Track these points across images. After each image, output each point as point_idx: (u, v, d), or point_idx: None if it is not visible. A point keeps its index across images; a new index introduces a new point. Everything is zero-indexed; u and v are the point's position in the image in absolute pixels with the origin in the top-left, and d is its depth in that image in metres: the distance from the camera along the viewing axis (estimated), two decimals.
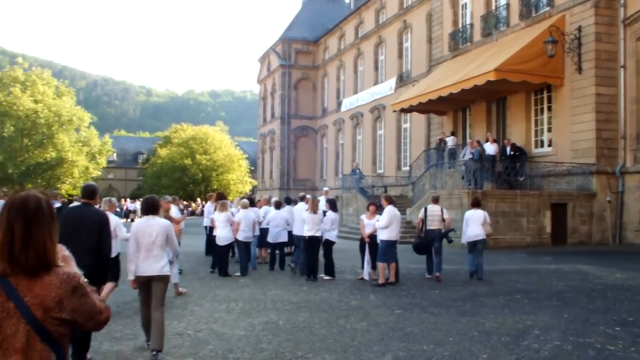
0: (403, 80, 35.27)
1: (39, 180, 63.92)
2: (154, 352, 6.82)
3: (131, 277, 7.11)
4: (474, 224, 13.42)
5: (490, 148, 22.63)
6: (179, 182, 65.92)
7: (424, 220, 13.63)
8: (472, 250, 13.48)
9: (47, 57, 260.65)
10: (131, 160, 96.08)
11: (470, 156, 22.35)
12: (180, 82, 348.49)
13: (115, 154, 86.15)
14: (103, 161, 71.35)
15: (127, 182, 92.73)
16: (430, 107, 27.55)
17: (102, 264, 6.84)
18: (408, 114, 33.42)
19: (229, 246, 14.17)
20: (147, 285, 7.14)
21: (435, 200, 14.27)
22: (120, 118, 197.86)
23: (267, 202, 17.82)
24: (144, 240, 7.05)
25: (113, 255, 7.99)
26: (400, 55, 36.15)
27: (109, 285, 7.91)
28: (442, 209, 13.86)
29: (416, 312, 9.65)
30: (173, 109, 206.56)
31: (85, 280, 2.48)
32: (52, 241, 2.40)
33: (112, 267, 8.13)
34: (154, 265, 7.02)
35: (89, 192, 7.38)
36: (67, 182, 65.14)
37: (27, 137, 62.10)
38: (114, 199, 10.65)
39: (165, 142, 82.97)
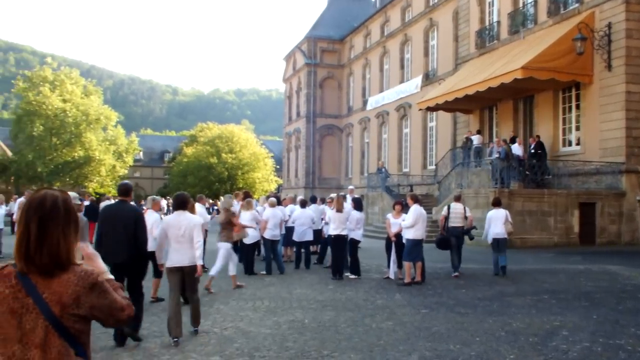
0: (429, 78, 35.08)
1: (67, 179, 64.72)
2: (195, 330, 7.92)
3: (160, 262, 8.21)
4: (496, 223, 13.79)
5: (519, 150, 22.39)
6: (205, 180, 66.24)
7: (446, 218, 13.97)
8: (496, 250, 13.82)
9: (76, 57, 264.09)
10: (157, 159, 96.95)
11: (497, 155, 22.17)
12: (206, 81, 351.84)
13: (141, 153, 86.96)
14: (130, 160, 72.04)
15: (153, 181, 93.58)
16: (456, 105, 27.36)
17: (139, 256, 7.59)
18: (434, 113, 33.23)
19: (255, 245, 14.21)
20: (178, 275, 7.72)
21: (458, 199, 14.74)
22: (147, 117, 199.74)
23: (293, 201, 17.87)
24: (173, 233, 7.59)
25: (150, 249, 8.34)
26: (426, 54, 35.96)
27: (154, 282, 9.16)
28: (464, 207, 14.34)
29: (442, 311, 9.61)
30: (199, 107, 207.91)
31: (111, 276, 2.55)
32: (66, 240, 2.42)
33: (154, 263, 8.90)
34: (185, 256, 7.59)
35: (124, 190, 8.04)
36: (95, 181, 65.86)
37: (55, 136, 62.90)
38: (157, 197, 10.92)
39: (191, 140, 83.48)
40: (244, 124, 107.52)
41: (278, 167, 72.90)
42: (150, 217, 10.00)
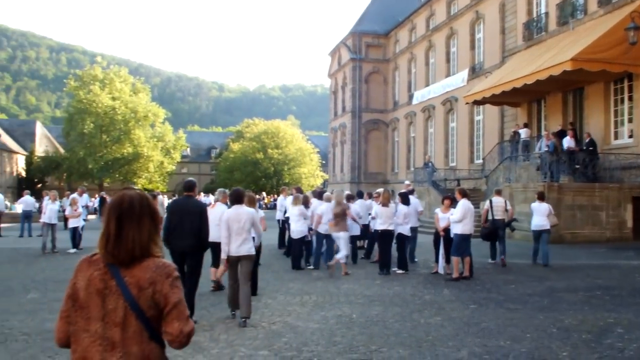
0: (475, 71, 34.65)
1: (117, 175, 66.18)
2: (243, 319, 8.27)
3: (224, 256, 8.50)
4: (539, 215, 14.74)
5: (570, 142, 21.92)
6: (251, 176, 66.99)
7: (489, 211, 14.92)
8: (537, 240, 14.74)
9: (124, 56, 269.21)
10: (204, 155, 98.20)
11: (546, 148, 21.78)
12: (252, 77, 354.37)
13: (189, 149, 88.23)
14: (177, 156, 73.22)
15: (200, 177, 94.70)
16: (503, 98, 26.94)
17: (202, 245, 8.59)
18: (481, 106, 32.80)
19: (303, 239, 14.31)
20: (236, 263, 8.50)
21: (499, 193, 15.84)
22: (194, 113, 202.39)
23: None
24: (234, 226, 8.37)
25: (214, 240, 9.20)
26: (472, 47, 35.50)
27: (221, 269, 9.84)
28: (505, 201, 15.49)
29: (491, 307, 9.53)
30: (245, 103, 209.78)
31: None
32: (141, 236, 2.71)
33: (215, 252, 10.13)
34: (243, 246, 8.40)
35: (190, 186, 9.09)
36: (143, 177, 67.15)
37: (105, 133, 64.32)
38: (226, 190, 11.34)
39: (238, 136, 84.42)
40: (289, 120, 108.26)
41: (324, 162, 73.12)
42: (219, 209, 10.36)
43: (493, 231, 14.64)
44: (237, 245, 8.38)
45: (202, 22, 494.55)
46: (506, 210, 15.09)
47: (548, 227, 14.67)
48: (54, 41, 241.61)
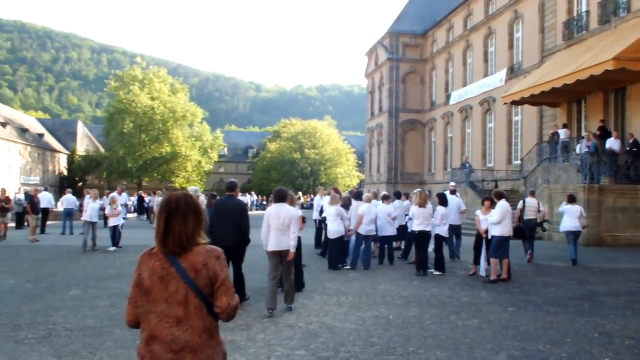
0: (514, 71, 34.23)
1: (155, 174, 67.07)
2: (288, 307, 9.22)
3: (266, 248, 9.09)
4: (571, 217, 15.24)
5: (615, 144, 21.46)
6: (288, 175, 67.25)
7: (522, 210, 15.92)
8: (570, 241, 15.22)
9: (163, 56, 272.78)
10: (241, 155, 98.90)
11: (587, 149, 21.40)
12: (289, 77, 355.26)
13: (226, 149, 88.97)
14: (215, 155, 73.90)
15: (237, 176, 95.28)
16: (542, 98, 26.54)
17: (243, 240, 9.55)
18: (519, 106, 32.37)
19: (340, 239, 14.31)
20: (276, 258, 9.07)
21: (532, 194, 16.90)
22: (231, 113, 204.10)
23: (375, 196, 17.86)
24: (273, 222, 9.00)
25: None
26: (510, 46, 35.08)
27: None
28: (538, 202, 16.53)
29: (530, 310, 9.41)
30: (282, 103, 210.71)
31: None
32: (186, 229, 3.16)
33: None
34: (284, 241, 9.01)
35: (231, 187, 10.14)
36: (181, 176, 67.93)
37: (144, 133, 65.21)
38: (290, 191, 11.61)
39: (275, 136, 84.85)
40: (326, 120, 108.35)
41: (360, 162, 73.02)
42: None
43: (522, 230, 15.24)
44: (277, 241, 8.97)
45: (241, 23, 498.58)
46: (538, 210, 16.19)
47: (580, 228, 15.30)
48: (96, 42, 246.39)
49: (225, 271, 3.17)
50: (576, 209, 15.27)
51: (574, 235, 15.12)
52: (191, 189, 11.09)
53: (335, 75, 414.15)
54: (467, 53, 41.57)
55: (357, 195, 15.52)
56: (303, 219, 11.52)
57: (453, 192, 17.41)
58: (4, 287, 11.40)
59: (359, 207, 14.45)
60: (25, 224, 27.08)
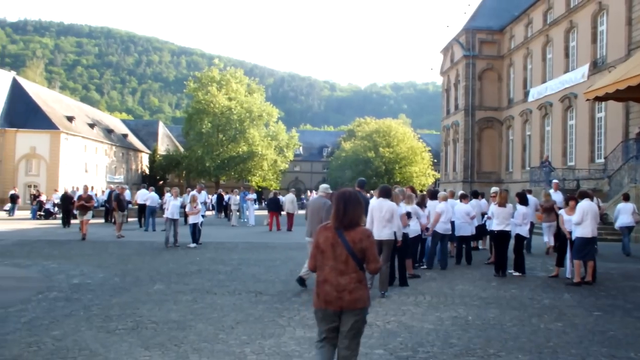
0: (597, 66, 33.03)
1: (232, 173, 68.41)
2: (382, 293, 10.33)
3: None
4: (625, 214, 17.43)
5: None
6: (363, 174, 66.96)
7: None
8: (626, 235, 17.44)
9: (239, 57, 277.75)
10: (316, 154, 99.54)
11: None
12: (363, 76, 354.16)
13: (301, 148, 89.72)
14: (290, 154, 74.70)
15: (312, 175, 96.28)
16: (629, 94, 25.41)
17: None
18: (603, 103, 31.19)
19: (417, 238, 14.22)
20: (379, 247, 9.59)
21: (626, 198, 18.18)
22: (306, 113, 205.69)
23: (452, 195, 17.67)
24: (376, 215, 10.30)
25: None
26: (594, 40, 33.85)
27: None
28: (634, 206, 17.98)
29: (618, 315, 9.06)
30: (356, 102, 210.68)
31: None
32: (355, 213, 4.88)
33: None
34: (384, 232, 10.28)
35: (362, 184, 12.19)
36: (257, 175, 69.00)
37: (222, 133, 66.63)
38: (400, 189, 12.77)
39: (349, 135, 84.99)
40: (401, 118, 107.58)
41: (435, 161, 72.19)
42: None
43: None
44: (379, 231, 10.10)
45: (316, 23, 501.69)
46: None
47: (634, 223, 17.51)
48: (175, 45, 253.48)
49: (373, 246, 4.87)
50: (629, 206, 17.56)
51: (628, 229, 17.49)
52: (323, 186, 11.73)
53: (410, 73, 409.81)
54: (546, 48, 40.41)
55: (433, 194, 15.38)
56: (408, 215, 12.15)
57: (529, 192, 17.93)
58: (95, 280, 11.95)
59: (436, 206, 14.33)
60: (112, 220, 28.12)
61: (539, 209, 17.24)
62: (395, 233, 10.54)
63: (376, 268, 4.85)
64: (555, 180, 19.99)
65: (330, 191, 11.24)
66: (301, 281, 11.06)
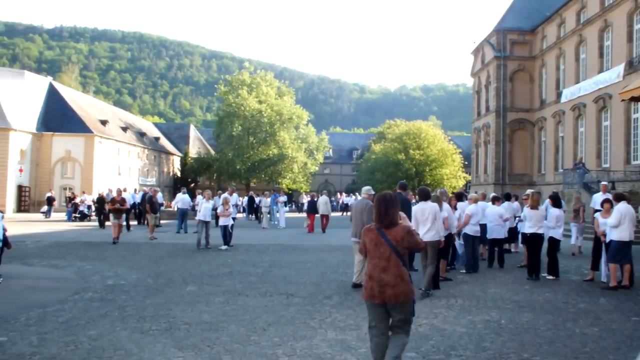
0: (633, 66, 32.44)
1: (263, 176, 68.80)
2: (426, 292, 10.60)
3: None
4: None
5: None
6: (393, 176, 66.79)
7: None
8: None
9: (269, 60, 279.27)
10: (346, 156, 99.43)
11: None
12: (393, 77, 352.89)
13: (331, 150, 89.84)
14: (320, 157, 74.85)
15: (342, 177, 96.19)
16: None
17: None
18: (639, 103, 30.65)
19: (448, 237, 14.09)
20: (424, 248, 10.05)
21: None
22: (335, 115, 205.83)
23: (484, 197, 17.53)
24: (420, 217, 10.74)
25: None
26: (629, 39, 33.25)
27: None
28: None
29: None
30: (386, 104, 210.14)
31: (410, 225, 5.75)
32: (395, 213, 5.47)
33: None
34: (429, 234, 10.65)
35: (403, 186, 12.99)
36: (288, 177, 69.29)
37: (252, 135, 67.06)
38: (443, 190, 12.95)
39: (379, 137, 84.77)
40: (431, 120, 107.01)
41: (466, 163, 71.62)
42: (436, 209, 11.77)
43: None
44: (423, 233, 10.45)
45: (346, 25, 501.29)
46: None
47: None
48: (206, 49, 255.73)
49: (413, 235, 5.46)
50: None
51: None
52: (365, 188, 12.32)
53: (440, 75, 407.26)
54: (580, 48, 39.84)
55: (458, 196, 15.28)
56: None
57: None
58: (129, 281, 12.15)
59: (466, 208, 14.24)
60: (145, 222, 28.45)
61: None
62: (439, 234, 10.92)
63: (421, 247, 5.61)
64: (603, 182, 19.36)
65: (373, 192, 11.62)
66: (356, 286, 11.28)
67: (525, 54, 48.24)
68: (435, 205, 10.92)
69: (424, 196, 10.94)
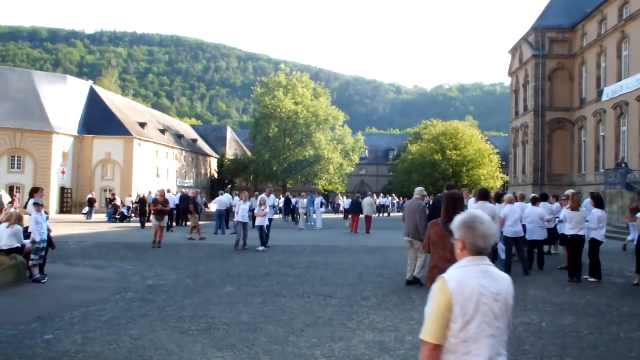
0: None
1: (299, 177, 69.11)
2: None
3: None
4: None
5: None
6: (430, 177, 66.50)
7: None
8: None
9: (305, 62, 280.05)
10: (382, 157, 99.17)
11: None
12: (429, 78, 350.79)
13: (367, 151, 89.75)
14: (356, 158, 74.84)
15: (378, 178, 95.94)
16: None
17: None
18: None
19: None
20: None
21: None
22: (371, 116, 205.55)
23: (523, 199, 17.29)
24: None
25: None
26: None
27: None
28: None
29: None
30: (422, 105, 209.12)
31: None
32: (461, 209, 5.80)
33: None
34: None
35: (451, 187, 12.15)
36: (324, 178, 69.44)
37: (288, 137, 67.43)
38: (509, 196, 13.61)
39: (416, 138, 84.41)
40: (468, 120, 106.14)
41: (504, 163, 70.81)
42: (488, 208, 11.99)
43: None
44: None
45: (381, 26, 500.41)
46: None
47: None
48: (242, 51, 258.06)
49: None
50: None
51: None
52: (418, 189, 12.50)
53: (477, 75, 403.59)
54: (622, 45, 39.02)
55: (482, 194, 15.08)
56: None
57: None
58: (168, 282, 12.33)
59: (501, 211, 14.06)
60: (184, 223, 28.80)
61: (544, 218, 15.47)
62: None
63: None
64: (570, 193, 18.88)
65: (425, 193, 11.97)
66: (416, 281, 11.66)
67: (565, 52, 47.46)
68: (494, 206, 11.27)
69: (483, 196, 11.39)
